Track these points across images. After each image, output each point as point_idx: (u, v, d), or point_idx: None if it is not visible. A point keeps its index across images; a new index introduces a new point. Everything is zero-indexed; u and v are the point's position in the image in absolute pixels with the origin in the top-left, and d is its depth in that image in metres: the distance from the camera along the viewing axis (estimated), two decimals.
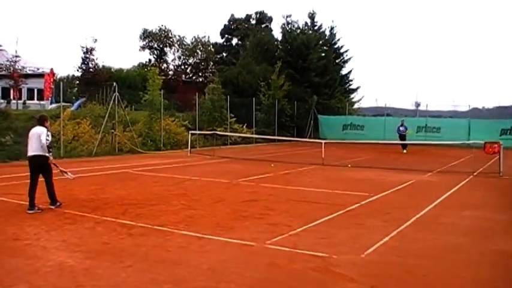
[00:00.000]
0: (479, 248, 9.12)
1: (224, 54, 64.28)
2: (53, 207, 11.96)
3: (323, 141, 25.25)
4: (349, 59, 53.74)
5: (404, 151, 30.95)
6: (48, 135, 11.97)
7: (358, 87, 55.24)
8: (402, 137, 31.83)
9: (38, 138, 11.75)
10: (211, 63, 63.29)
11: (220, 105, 36.91)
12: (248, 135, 36.76)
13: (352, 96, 54.85)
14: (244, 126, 38.47)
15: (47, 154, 11.90)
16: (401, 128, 31.96)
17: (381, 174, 19.72)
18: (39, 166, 11.93)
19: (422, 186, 17.09)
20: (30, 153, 11.91)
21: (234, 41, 65.37)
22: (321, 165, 22.29)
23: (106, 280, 6.95)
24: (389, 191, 15.39)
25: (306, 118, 44.56)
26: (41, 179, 12.03)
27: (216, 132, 32.35)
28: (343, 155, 27.15)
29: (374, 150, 31.22)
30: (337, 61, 52.57)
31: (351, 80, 54.49)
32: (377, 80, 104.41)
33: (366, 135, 41.02)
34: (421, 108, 48.02)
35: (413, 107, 52.17)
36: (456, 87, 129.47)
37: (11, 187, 15.05)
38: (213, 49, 64.11)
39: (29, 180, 11.89)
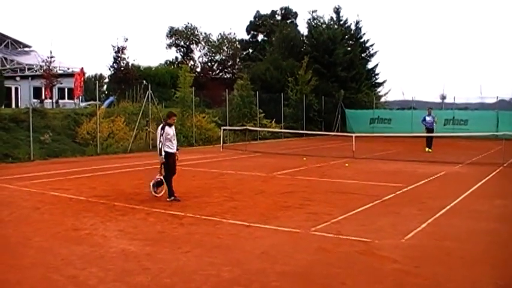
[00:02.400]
0: (510, 232, 9.62)
1: (250, 51, 64.66)
2: (168, 200, 12.57)
3: (353, 135, 25.70)
4: (375, 52, 53.79)
5: (429, 150, 26.68)
6: (162, 134, 12.57)
7: (384, 81, 55.19)
8: (429, 130, 27.45)
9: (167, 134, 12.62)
10: (238, 59, 63.79)
11: (249, 101, 37.49)
12: (277, 130, 37.32)
13: (378, 90, 54.82)
14: (273, 122, 38.99)
15: (168, 149, 12.70)
16: (427, 118, 27.46)
17: (412, 166, 20.16)
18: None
19: (453, 177, 17.51)
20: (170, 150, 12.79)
21: (260, 37, 65.74)
22: (352, 158, 22.77)
23: (169, 263, 7.57)
24: (422, 182, 15.86)
25: (333, 112, 44.90)
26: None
27: (248, 127, 32.90)
28: (373, 148, 27.56)
29: (402, 143, 31.55)
30: (363, 55, 52.59)
31: (377, 74, 54.50)
32: (403, 73, 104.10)
33: (393, 128, 41.27)
34: (447, 100, 47.81)
35: (439, 100, 51.87)
36: (483, 79, 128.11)
37: (57, 182, 15.85)
38: (239, 45, 64.58)
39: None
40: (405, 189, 14.49)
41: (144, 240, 8.91)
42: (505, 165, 20.60)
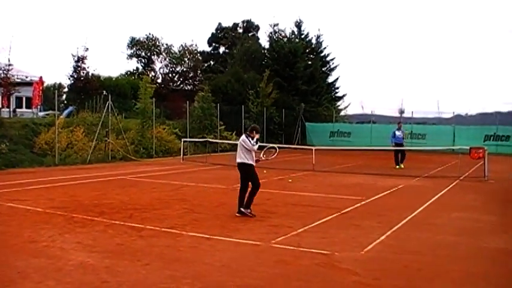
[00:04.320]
0: (470, 245, 9.81)
1: (212, 63, 64.71)
2: (242, 210, 12.33)
3: (313, 148, 25.89)
4: (336, 67, 54.55)
5: (402, 166, 25.49)
6: (250, 141, 12.63)
7: (344, 95, 55.96)
8: (399, 145, 26.28)
9: (241, 145, 12.70)
10: (199, 71, 63.69)
11: (210, 113, 37.44)
12: (238, 142, 37.22)
13: (338, 103, 55.54)
14: (234, 134, 38.97)
15: (250, 161, 12.65)
16: (397, 133, 26.29)
17: (371, 179, 20.39)
18: (245, 172, 12.72)
19: (412, 190, 17.77)
20: (237, 160, 12.85)
21: (222, 49, 65.90)
22: (312, 171, 22.94)
23: (128, 276, 7.48)
24: (381, 195, 16.06)
25: (294, 125, 45.16)
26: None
27: (208, 139, 32.82)
28: (333, 161, 27.79)
29: (362, 156, 31.91)
30: (323, 69, 53.26)
31: (337, 88, 55.25)
32: (363, 87, 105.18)
33: (352, 142, 41.79)
34: (406, 115, 48.51)
35: (398, 114, 52.63)
36: (440, 95, 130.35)
37: (14, 193, 15.52)
38: (200, 57, 64.52)
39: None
40: (365, 202, 14.65)
41: (103, 252, 8.78)
42: (461, 178, 21.02)
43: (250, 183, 12.61)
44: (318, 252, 8.87)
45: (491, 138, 39.11)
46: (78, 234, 10.20)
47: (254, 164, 12.76)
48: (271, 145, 14.11)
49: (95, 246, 9.24)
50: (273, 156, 13.70)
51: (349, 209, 13.39)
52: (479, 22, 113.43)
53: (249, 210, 12.37)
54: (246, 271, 7.79)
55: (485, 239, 10.29)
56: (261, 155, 13.40)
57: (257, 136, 12.95)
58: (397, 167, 25.42)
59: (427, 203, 14.67)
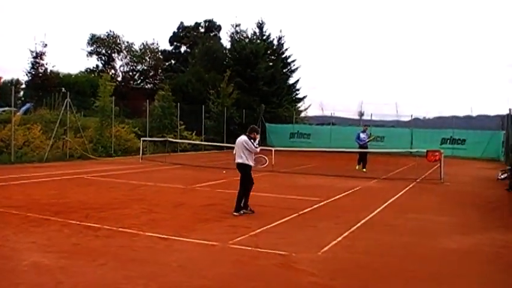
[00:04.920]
0: (425, 246, 9.99)
1: (173, 62, 64.32)
2: (236, 214, 12.56)
3: (273, 149, 25.96)
4: (297, 68, 54.79)
5: (364, 170, 24.69)
6: (253, 143, 12.75)
7: (305, 97, 56.20)
8: (363, 147, 25.79)
9: (242, 146, 12.77)
10: (160, 70, 63.27)
11: (170, 112, 37.19)
12: (198, 142, 37.18)
13: (299, 105, 55.80)
14: (194, 134, 38.86)
15: (250, 163, 12.82)
16: (362, 136, 25.71)
17: (329, 180, 20.54)
18: (241, 172, 12.93)
19: (369, 192, 17.97)
20: (236, 160, 12.97)
21: (183, 48, 65.56)
22: (271, 172, 22.96)
23: (84, 277, 7.39)
24: (338, 196, 16.20)
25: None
26: None
27: (168, 139, 32.64)
28: (292, 162, 27.88)
29: (321, 158, 32.07)
30: (284, 70, 53.46)
31: (298, 89, 55.48)
32: (323, 89, 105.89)
33: (312, 143, 41.90)
34: (365, 117, 49.09)
35: (357, 117, 53.17)
36: (399, 98, 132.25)
37: None
38: (161, 56, 64.10)
39: None
40: (322, 203, 14.76)
41: (58, 252, 8.65)
42: (417, 180, 21.36)
43: (240, 182, 12.97)
44: (275, 252, 8.91)
45: (448, 141, 39.94)
46: (32, 233, 10.04)
47: (253, 165, 13.05)
48: (263, 156, 14.34)
49: (50, 246, 9.11)
50: (263, 166, 14.33)
51: (307, 210, 13.47)
52: (437, 28, 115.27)
53: (241, 212, 12.67)
54: (202, 271, 7.78)
55: (439, 240, 10.49)
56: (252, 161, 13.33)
57: (258, 137, 13.27)
58: (357, 167, 25.16)
59: (384, 205, 14.86)
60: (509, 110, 32.48)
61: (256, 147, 12.86)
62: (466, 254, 9.44)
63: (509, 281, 7.88)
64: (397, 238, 10.58)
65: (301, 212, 13.09)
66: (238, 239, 9.87)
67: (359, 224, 11.81)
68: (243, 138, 12.96)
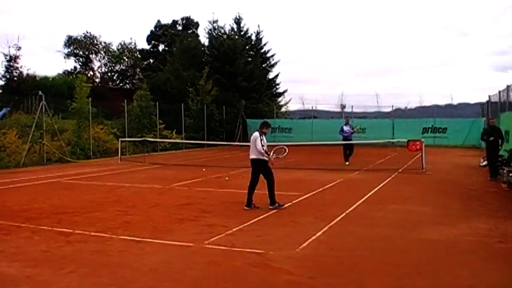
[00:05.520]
0: (406, 238, 9.73)
1: (151, 61, 63.72)
2: (271, 207, 12.75)
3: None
4: (276, 63, 54.60)
5: (346, 163, 24.29)
6: (262, 140, 12.82)
7: (285, 91, 56.01)
8: (347, 139, 25.21)
9: (254, 143, 12.86)
10: (139, 69, 62.78)
11: (149, 111, 36.77)
12: (178, 141, 36.83)
13: (279, 99, 55.61)
14: (174, 132, 38.48)
15: (265, 157, 12.92)
16: (345, 128, 25.12)
17: (310, 174, 20.30)
18: (258, 168, 13.03)
19: (350, 184, 17.76)
20: (250, 156, 13.11)
21: (161, 47, 65.02)
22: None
23: (48, 286, 7.07)
24: (319, 190, 15.97)
25: (235, 122, 44.83)
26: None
27: (146, 139, 32.23)
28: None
29: (303, 151, 31.79)
30: (264, 65, 53.23)
31: (278, 84, 55.29)
32: (304, 83, 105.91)
33: (293, 137, 41.72)
34: (347, 110, 49.09)
35: (339, 109, 53.13)
36: (379, 89, 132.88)
37: None
38: (139, 55, 63.58)
39: None
40: (303, 197, 14.53)
41: (26, 261, 8.28)
42: (399, 171, 21.21)
43: (265, 179, 13.01)
44: (251, 251, 8.62)
45: (429, 130, 40.18)
46: (1, 242, 9.66)
47: (267, 159, 13.06)
48: (281, 145, 14.45)
49: (18, 254, 8.75)
50: (283, 155, 14.12)
51: (287, 205, 13.21)
52: (417, 17, 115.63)
53: (276, 205, 12.81)
54: (175, 275, 7.47)
55: (421, 231, 10.25)
56: (271, 154, 13.41)
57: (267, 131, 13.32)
58: (347, 163, 24.27)
59: (365, 197, 14.65)
60: (489, 97, 32.52)
61: (263, 146, 12.84)
62: (449, 245, 9.18)
63: (493, 272, 7.63)
64: (378, 231, 10.33)
65: (281, 208, 12.82)
66: (214, 238, 9.56)
67: (339, 218, 11.57)
68: (255, 134, 13.07)
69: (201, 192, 15.87)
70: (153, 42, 65.45)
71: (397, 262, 8.12)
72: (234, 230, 10.33)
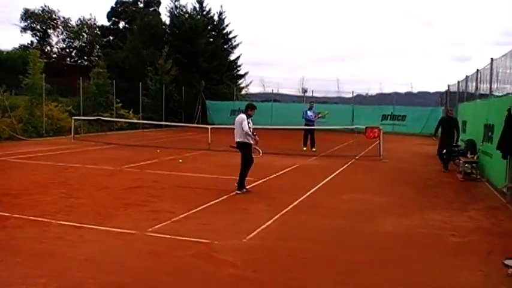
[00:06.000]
0: (359, 230, 9.45)
1: (111, 38, 62.29)
2: (239, 192, 12.61)
3: (209, 127, 25.28)
4: (238, 44, 53.88)
5: (314, 149, 23.60)
6: (249, 122, 12.89)
7: (246, 73, 55.39)
8: (310, 125, 24.56)
9: (240, 125, 12.79)
10: (98, 46, 61.36)
11: (105, 90, 35.75)
12: (135, 120, 36.02)
13: (240, 81, 55.09)
14: (131, 112, 37.64)
15: (249, 140, 12.93)
16: (309, 113, 24.53)
17: (267, 158, 19.78)
18: (241, 150, 13.06)
19: (307, 170, 17.48)
20: (236, 139, 13.13)
21: (122, 24, 63.66)
22: (207, 150, 22.29)
23: None
24: (274, 175, 15.64)
25: (194, 103, 44.16)
26: None
27: (101, 117, 31.36)
28: (231, 141, 27.06)
29: (262, 135, 31.13)
30: (225, 46, 52.54)
31: (239, 66, 54.67)
32: (265, 66, 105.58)
33: (253, 120, 41.19)
34: (308, 94, 48.92)
35: (300, 94, 52.94)
36: (340, 75, 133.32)
37: None
38: (99, 32, 62.13)
39: None
40: (257, 183, 14.15)
41: None
42: (357, 157, 21.05)
43: (241, 161, 13.03)
44: (196, 241, 8.20)
45: (388, 117, 40.28)
46: None
47: (252, 143, 13.19)
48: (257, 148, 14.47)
49: None
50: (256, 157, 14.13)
51: (239, 191, 12.80)
52: (379, 6, 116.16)
53: (244, 190, 12.70)
54: (111, 266, 7.01)
55: (375, 222, 9.99)
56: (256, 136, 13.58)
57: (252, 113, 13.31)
58: (304, 148, 23.91)
59: (321, 184, 14.40)
60: (448, 86, 32.66)
61: (250, 128, 12.86)
62: (403, 238, 8.92)
63: (446, 269, 7.38)
64: (331, 221, 10.03)
65: (232, 194, 12.46)
66: (159, 226, 9.10)
67: (292, 206, 11.25)
68: (241, 116, 13.05)
69: (152, 174, 15.36)
70: (113, 19, 63.90)
71: (348, 256, 7.81)
72: (180, 216, 9.89)
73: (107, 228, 8.91)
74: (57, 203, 11.07)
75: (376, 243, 8.59)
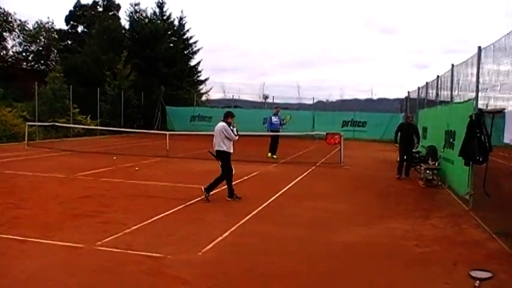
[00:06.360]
0: (320, 240, 9.07)
1: (69, 42, 61.17)
2: (207, 196, 12.47)
3: (167, 133, 24.80)
4: (198, 50, 53.38)
5: (275, 156, 23.08)
6: (233, 130, 12.86)
7: (206, 79, 54.95)
8: (275, 131, 23.76)
9: (223, 133, 12.67)
10: (55, 51, 60.08)
11: (62, 95, 34.94)
12: (92, 127, 35.18)
13: (200, 87, 54.64)
14: (89, 118, 36.81)
15: (229, 150, 12.86)
16: (274, 120, 23.92)
17: None
18: (222, 159, 12.89)
19: (267, 177, 17.14)
20: (217, 148, 12.89)
21: (80, 28, 62.52)
22: (165, 157, 21.76)
23: None
24: (233, 183, 15.13)
25: (154, 109, 43.52)
26: None
27: (56, 123, 30.46)
28: (191, 147, 26.74)
29: None
30: (185, 52, 52.03)
31: (200, 71, 54.22)
32: (226, 72, 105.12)
33: (213, 126, 40.73)
34: (269, 100, 48.76)
35: (261, 100, 52.72)
36: (302, 81, 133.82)
37: None
38: (57, 36, 60.84)
39: None
40: (215, 191, 13.62)
41: None
42: (317, 164, 20.82)
43: (222, 170, 12.94)
44: (148, 255, 7.71)
45: (349, 123, 40.51)
46: None
47: (232, 152, 12.99)
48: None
49: None
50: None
51: (196, 199, 12.36)
52: (339, 13, 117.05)
53: (207, 195, 12.50)
54: (54, 285, 6.48)
55: (336, 232, 9.65)
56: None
57: (234, 123, 13.18)
58: (270, 155, 23.13)
59: (281, 192, 14.06)
60: (408, 93, 32.77)
61: (236, 135, 12.89)
62: (365, 249, 8.58)
63: (409, 280, 7.07)
64: (291, 231, 9.63)
65: (190, 203, 12.00)
66: (109, 239, 8.56)
67: (251, 215, 10.86)
68: (222, 125, 12.86)
69: (106, 183, 14.78)
70: (71, 22, 62.70)
71: (309, 270, 7.41)
72: (132, 228, 9.36)
73: (53, 242, 8.33)
74: (3, 214, 10.43)
75: (339, 254, 8.23)
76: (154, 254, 7.74)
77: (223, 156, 12.84)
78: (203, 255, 7.87)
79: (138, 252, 7.84)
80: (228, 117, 13.02)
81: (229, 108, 44.28)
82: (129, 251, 7.90)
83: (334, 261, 7.86)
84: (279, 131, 24.19)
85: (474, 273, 7.08)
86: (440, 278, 7.09)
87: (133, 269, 7.09)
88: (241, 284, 6.77)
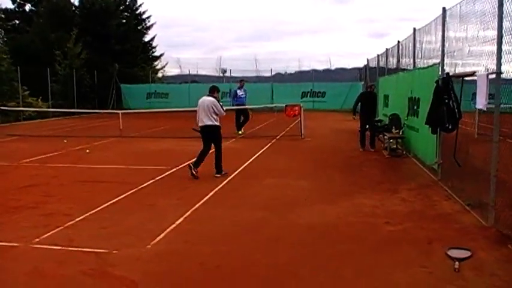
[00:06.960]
0: (280, 223, 8.33)
1: (17, 22, 59.08)
2: (218, 175, 12.27)
3: (120, 112, 23.77)
4: (152, 25, 51.93)
5: (240, 132, 21.91)
6: (222, 106, 12.56)
7: (161, 54, 53.66)
8: (241, 105, 22.40)
9: (211, 108, 12.20)
10: (2, 31, 57.94)
11: (9, 77, 33.37)
12: (44, 109, 33.73)
13: (155, 63, 53.37)
14: (40, 100, 35.35)
15: (218, 123, 12.49)
16: (239, 93, 22.65)
17: (181, 143, 18.47)
18: (211, 135, 12.50)
19: (225, 154, 16.13)
20: (205, 123, 12.35)
21: (28, 7, 60.36)
22: (119, 137, 20.78)
23: None
24: (188, 162, 14.25)
25: (108, 88, 42.17)
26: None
27: (5, 107, 29.06)
28: (147, 125, 25.85)
29: (180, 118, 29.84)
30: (139, 28, 50.59)
31: (154, 47, 52.88)
32: (182, 47, 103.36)
33: (170, 103, 39.77)
34: (227, 74, 47.88)
35: (219, 74, 51.75)
36: (259, 54, 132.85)
37: None
38: (3, 16, 58.65)
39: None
40: (168, 172, 12.90)
41: None
42: (277, 137, 20.21)
43: (214, 145, 12.65)
44: (91, 251, 6.88)
45: (308, 94, 40.11)
46: None
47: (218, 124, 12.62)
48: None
49: None
50: None
51: (148, 183, 11.54)
52: None
53: (223, 173, 12.39)
54: None
55: (298, 212, 8.92)
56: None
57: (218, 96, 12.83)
58: (240, 132, 21.82)
59: (239, 169, 13.36)
60: (367, 60, 32.28)
61: (225, 110, 12.69)
62: (331, 231, 7.85)
63: (382, 266, 6.38)
64: (250, 214, 8.89)
65: (141, 187, 11.14)
66: (49, 234, 7.67)
67: (207, 197, 10.09)
68: (209, 99, 12.40)
69: (53, 169, 13.79)
70: (18, 1, 60.54)
71: (268, 259, 6.64)
72: (77, 219, 8.48)
73: None
74: None
75: (301, 240, 7.48)
76: (97, 250, 6.91)
77: (213, 131, 12.49)
78: (152, 247, 7.08)
79: (79, 249, 7.00)
80: (214, 92, 12.62)
81: (186, 84, 43.54)
82: (70, 248, 7.05)
83: (296, 248, 7.08)
84: (245, 105, 22.81)
85: (452, 253, 6.46)
86: (416, 261, 6.42)
87: (73, 270, 6.23)
88: (195, 281, 6.00)
